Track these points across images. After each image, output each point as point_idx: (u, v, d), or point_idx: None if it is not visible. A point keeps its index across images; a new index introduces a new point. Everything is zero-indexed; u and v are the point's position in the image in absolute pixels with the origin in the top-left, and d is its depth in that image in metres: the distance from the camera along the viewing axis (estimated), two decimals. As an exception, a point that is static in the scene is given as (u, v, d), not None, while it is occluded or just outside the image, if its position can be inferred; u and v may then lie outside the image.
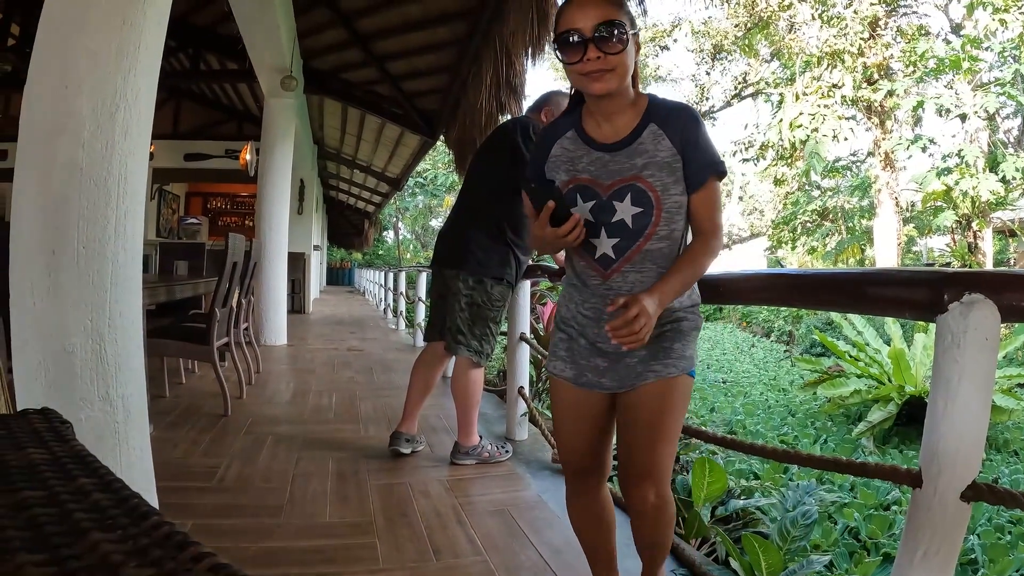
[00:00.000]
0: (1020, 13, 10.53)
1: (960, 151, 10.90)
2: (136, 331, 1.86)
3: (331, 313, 11.53)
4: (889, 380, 5.15)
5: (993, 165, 11.05)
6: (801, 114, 12.36)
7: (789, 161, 15.09)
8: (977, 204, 11.25)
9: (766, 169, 17.06)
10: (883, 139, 12.95)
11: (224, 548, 1.84)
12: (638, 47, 1.39)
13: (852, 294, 1.28)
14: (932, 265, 15.44)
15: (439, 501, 2.35)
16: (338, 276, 29.37)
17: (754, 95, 18.24)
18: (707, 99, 18.72)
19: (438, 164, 25.64)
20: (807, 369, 6.35)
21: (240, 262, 3.85)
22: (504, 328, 3.15)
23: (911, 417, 4.83)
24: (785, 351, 10.99)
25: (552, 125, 1.47)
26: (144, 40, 1.78)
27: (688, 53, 20.56)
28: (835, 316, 6.94)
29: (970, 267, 11.11)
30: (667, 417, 1.36)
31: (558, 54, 1.32)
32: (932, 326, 1.09)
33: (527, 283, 3.23)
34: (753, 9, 15.15)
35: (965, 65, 10.93)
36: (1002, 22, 10.54)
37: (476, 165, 2.90)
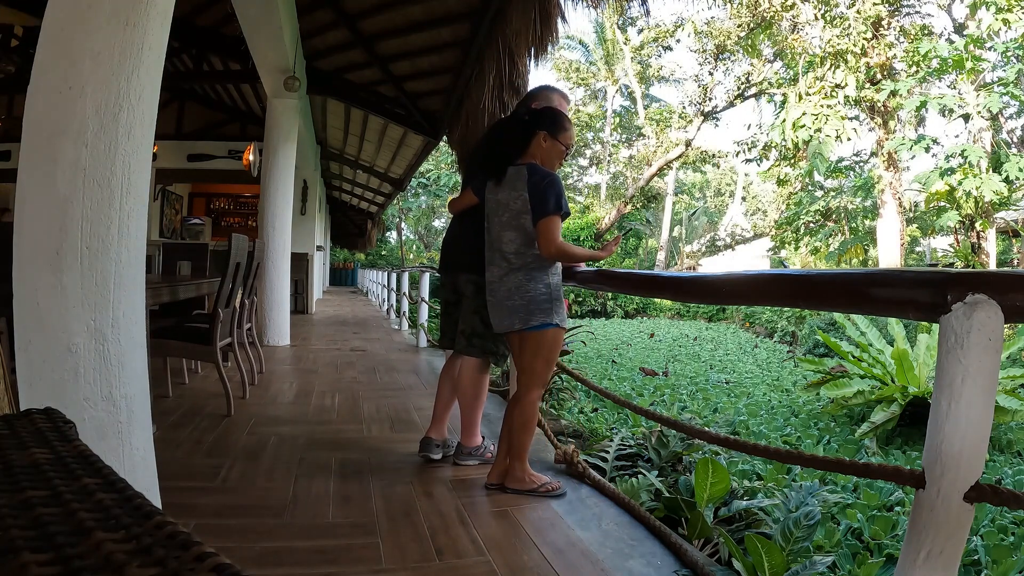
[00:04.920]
0: (1023, 13, 10.50)
1: (963, 151, 10.86)
2: (139, 331, 1.86)
3: (334, 313, 11.55)
4: (892, 381, 5.13)
5: (996, 165, 11.02)
6: (804, 114, 12.33)
7: (792, 161, 15.06)
8: (980, 204, 11.22)
9: (769, 169, 17.04)
10: (886, 139, 12.92)
11: (227, 548, 1.84)
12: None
13: (855, 295, 1.28)
14: (935, 265, 15.40)
15: (442, 501, 2.35)
16: (341, 276, 29.40)
17: (757, 95, 18.19)
18: (710, 99, 18.66)
19: (441, 164, 25.68)
20: (810, 370, 6.33)
21: (243, 262, 3.86)
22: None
23: (914, 418, 4.82)
24: (788, 352, 10.97)
25: None
26: (147, 41, 1.78)
27: (691, 53, 20.52)
28: (838, 317, 6.92)
29: (973, 268, 11.08)
30: None
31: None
32: (935, 327, 1.09)
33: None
34: (756, 9, 15.11)
35: (968, 65, 10.90)
36: (1005, 22, 10.51)
37: (475, 165, 2.90)
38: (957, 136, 12.38)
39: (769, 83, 16.21)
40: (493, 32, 5.35)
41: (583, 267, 2.67)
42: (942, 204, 11.95)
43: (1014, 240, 14.67)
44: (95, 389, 1.70)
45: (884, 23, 12.54)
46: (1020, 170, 10.50)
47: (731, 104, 18.71)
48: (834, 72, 12.37)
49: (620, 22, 20.61)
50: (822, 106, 12.30)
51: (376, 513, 2.19)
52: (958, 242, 12.36)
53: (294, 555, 1.87)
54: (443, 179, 26.32)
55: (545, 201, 2.38)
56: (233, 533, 1.98)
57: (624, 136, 30.62)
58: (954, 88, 12.06)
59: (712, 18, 17.81)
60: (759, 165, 16.69)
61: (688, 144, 19.23)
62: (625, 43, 22.01)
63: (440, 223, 36.33)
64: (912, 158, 13.40)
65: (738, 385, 7.22)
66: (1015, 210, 13.03)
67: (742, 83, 18.09)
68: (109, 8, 1.71)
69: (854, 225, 15.76)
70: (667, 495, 2.49)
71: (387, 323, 9.85)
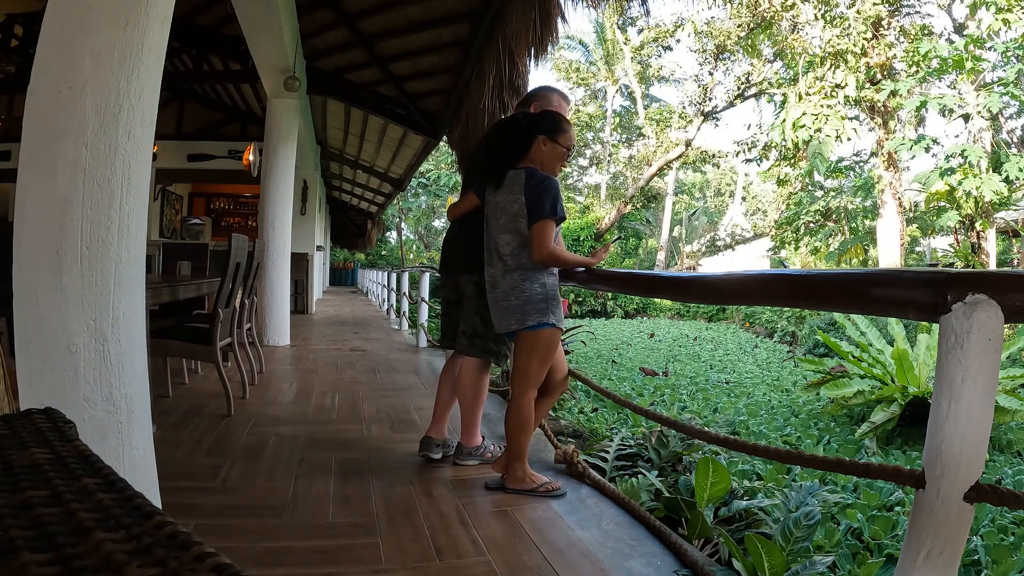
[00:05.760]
0: (1023, 13, 10.50)
1: (963, 151, 10.86)
2: (139, 331, 1.86)
3: (334, 313, 11.55)
4: (892, 381, 5.13)
5: (996, 165, 11.02)
6: (804, 114, 12.32)
7: (792, 161, 15.05)
8: (980, 204, 11.22)
9: (769, 169, 17.03)
10: (886, 139, 12.91)
11: (227, 548, 1.84)
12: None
13: (855, 295, 1.28)
14: (935, 265, 15.40)
15: (442, 501, 2.35)
16: (341, 276, 29.41)
17: (757, 95, 18.18)
18: (710, 99, 18.64)
19: (441, 164, 25.68)
20: (810, 370, 6.33)
21: (243, 262, 3.85)
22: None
23: (914, 418, 4.81)
24: (788, 352, 10.97)
25: None
26: (147, 41, 1.78)
27: (691, 53, 20.51)
28: (838, 317, 6.91)
29: (973, 268, 11.08)
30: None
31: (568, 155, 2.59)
32: (935, 327, 1.08)
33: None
34: (756, 9, 15.11)
35: (968, 65, 10.89)
36: (1005, 22, 10.50)
37: (476, 167, 2.89)
38: (957, 136, 12.40)
39: (769, 83, 16.20)
40: (493, 32, 5.35)
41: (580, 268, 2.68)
42: (942, 204, 11.94)
43: (1014, 240, 14.67)
44: (95, 389, 1.70)
45: (884, 23, 12.53)
46: (1020, 170, 10.49)
47: (731, 104, 18.70)
48: (834, 72, 12.37)
49: (620, 22, 20.60)
50: (822, 106, 12.29)
51: (376, 513, 2.19)
52: (958, 242, 12.36)
53: (294, 555, 1.87)
54: (443, 179, 26.32)
55: (540, 205, 2.41)
56: (233, 533, 1.98)
57: (624, 136, 30.61)
58: (954, 88, 12.06)
59: (712, 18, 17.80)
60: (759, 165, 16.68)
61: (688, 144, 19.22)
62: (625, 43, 22.00)
63: (440, 223, 36.32)
64: (912, 158, 13.39)
65: (738, 385, 7.22)
66: (1015, 210, 13.02)
67: (742, 83, 18.07)
68: (109, 9, 1.71)
69: (854, 225, 15.76)
70: (667, 495, 2.49)
71: (387, 323, 9.85)
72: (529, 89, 5.40)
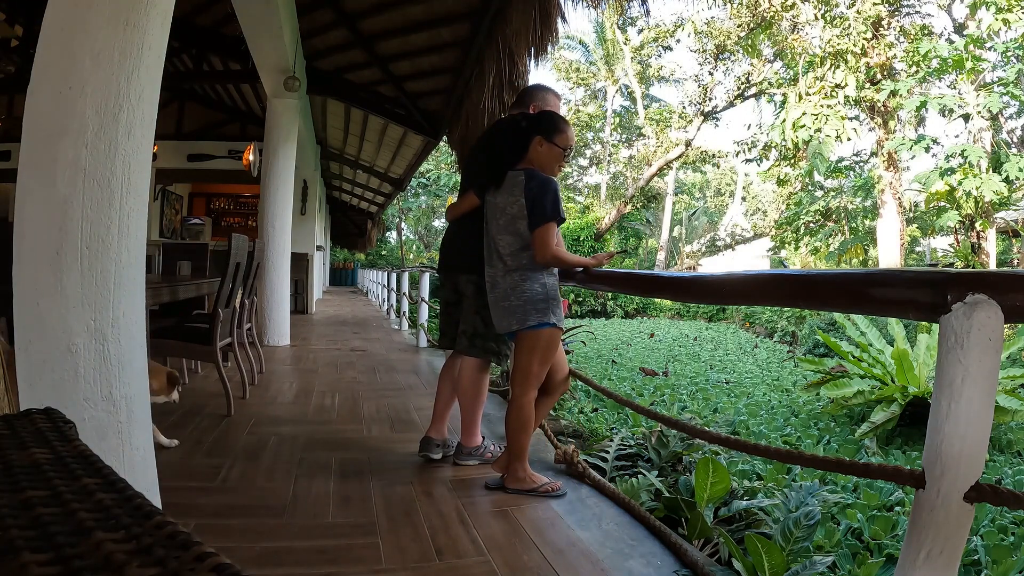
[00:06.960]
0: (1023, 13, 10.50)
1: (963, 151, 10.86)
2: (139, 331, 1.86)
3: (334, 313, 11.55)
4: (892, 381, 5.13)
5: (996, 165, 11.02)
6: (804, 114, 12.32)
7: (792, 161, 15.05)
8: (980, 204, 11.21)
9: (769, 169, 17.02)
10: (886, 139, 12.91)
11: (227, 548, 1.84)
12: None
13: (855, 295, 1.28)
14: (935, 265, 15.39)
15: (442, 501, 2.35)
16: (341, 276, 29.42)
17: (757, 95, 18.17)
18: (710, 99, 18.64)
19: (441, 164, 25.69)
20: (810, 370, 6.32)
21: (243, 262, 3.85)
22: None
23: (914, 418, 4.81)
24: (788, 352, 10.96)
25: None
26: (147, 41, 1.78)
27: (691, 53, 20.52)
28: (838, 317, 6.91)
29: (973, 268, 11.07)
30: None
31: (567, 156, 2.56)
32: (935, 327, 1.08)
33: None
34: (756, 9, 15.11)
35: (968, 65, 10.89)
36: (1005, 22, 10.50)
37: (475, 167, 2.89)
38: (957, 136, 12.42)
39: (769, 83, 16.20)
40: (493, 32, 5.35)
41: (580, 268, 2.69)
42: (942, 204, 11.94)
43: (1014, 240, 14.67)
44: (95, 389, 1.70)
45: (884, 23, 12.53)
46: (1020, 170, 10.49)
47: (731, 104, 18.69)
48: (834, 72, 12.36)
49: (620, 22, 20.59)
50: (822, 106, 12.29)
51: (376, 513, 2.19)
52: (958, 242, 12.35)
53: (294, 555, 1.87)
54: (443, 179, 26.33)
55: (542, 208, 2.42)
56: (233, 533, 1.98)
57: (624, 136, 30.61)
58: (954, 88, 12.06)
59: (712, 18, 17.78)
60: (759, 165, 16.68)
61: (688, 144, 19.22)
62: (625, 43, 22.00)
63: (440, 223, 36.33)
64: (912, 158, 13.41)
65: (738, 385, 7.22)
66: (1015, 210, 13.02)
67: (742, 83, 18.06)
68: (109, 8, 1.71)
69: (854, 225, 15.76)
70: (667, 495, 2.49)
71: (387, 323, 9.85)
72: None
